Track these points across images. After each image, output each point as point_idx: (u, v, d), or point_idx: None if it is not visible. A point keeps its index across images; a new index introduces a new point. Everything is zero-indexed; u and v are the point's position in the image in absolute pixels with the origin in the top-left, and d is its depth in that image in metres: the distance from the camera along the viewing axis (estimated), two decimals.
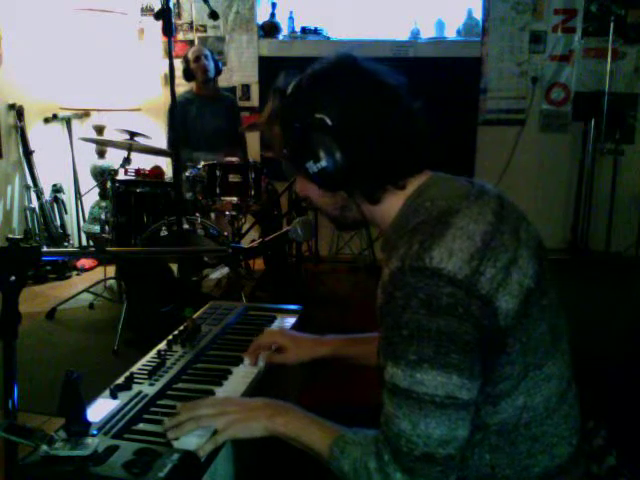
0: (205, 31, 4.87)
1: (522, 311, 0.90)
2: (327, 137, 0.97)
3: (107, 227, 3.51)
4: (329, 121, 0.96)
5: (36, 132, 4.53)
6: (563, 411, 0.98)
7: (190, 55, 3.98)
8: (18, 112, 4.29)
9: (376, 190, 1.02)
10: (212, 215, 3.67)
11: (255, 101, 4.90)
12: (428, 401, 0.87)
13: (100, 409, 1.13)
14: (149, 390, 1.22)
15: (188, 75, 4.01)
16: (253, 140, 4.57)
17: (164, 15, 2.37)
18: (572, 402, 1.01)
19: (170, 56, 2.43)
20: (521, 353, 0.91)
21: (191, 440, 1.04)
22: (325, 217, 1.14)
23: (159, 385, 1.25)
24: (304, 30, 4.81)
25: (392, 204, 1.02)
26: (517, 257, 0.92)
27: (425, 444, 0.87)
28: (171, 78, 2.46)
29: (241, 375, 1.34)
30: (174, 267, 3.23)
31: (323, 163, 0.98)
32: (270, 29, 4.82)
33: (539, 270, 0.95)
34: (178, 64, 3.60)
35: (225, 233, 3.31)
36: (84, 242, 4.79)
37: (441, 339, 0.86)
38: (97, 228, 4.02)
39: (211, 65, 4.01)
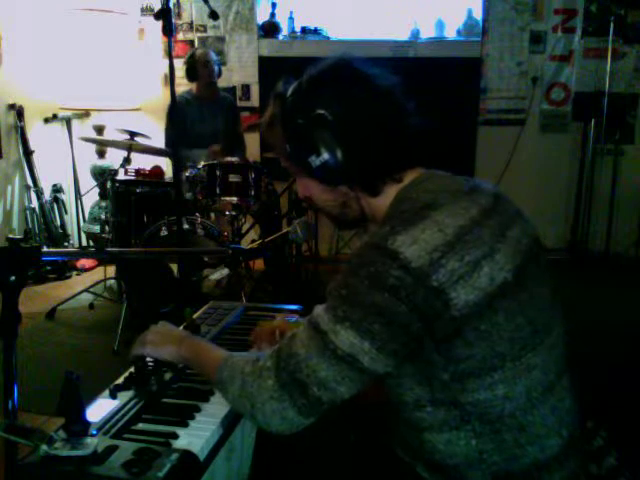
0: (205, 31, 4.87)
1: (485, 302, 0.92)
2: (328, 132, 1.02)
3: (107, 227, 3.51)
4: (329, 116, 1.01)
5: (36, 132, 4.53)
6: (550, 403, 0.99)
7: (199, 57, 3.97)
8: (18, 112, 4.29)
9: (375, 182, 1.07)
10: (212, 215, 3.67)
11: (255, 101, 4.90)
12: (332, 349, 0.94)
13: (100, 409, 1.13)
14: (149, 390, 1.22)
15: (192, 75, 4.00)
16: (253, 140, 4.57)
17: (164, 15, 2.36)
18: (562, 395, 1.02)
19: (170, 56, 2.43)
20: (482, 340, 0.93)
21: (192, 440, 1.04)
22: (326, 216, 1.19)
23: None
24: (304, 30, 4.81)
25: (388, 197, 1.07)
26: (494, 251, 0.95)
27: (307, 375, 0.96)
28: (171, 78, 2.46)
29: None
30: (174, 267, 3.23)
31: (325, 157, 1.03)
32: (270, 29, 4.82)
33: (522, 266, 0.97)
34: (178, 64, 3.59)
35: (225, 233, 3.31)
36: (84, 242, 4.78)
37: (371, 310, 0.92)
38: (97, 228, 4.02)
39: (216, 69, 4.03)
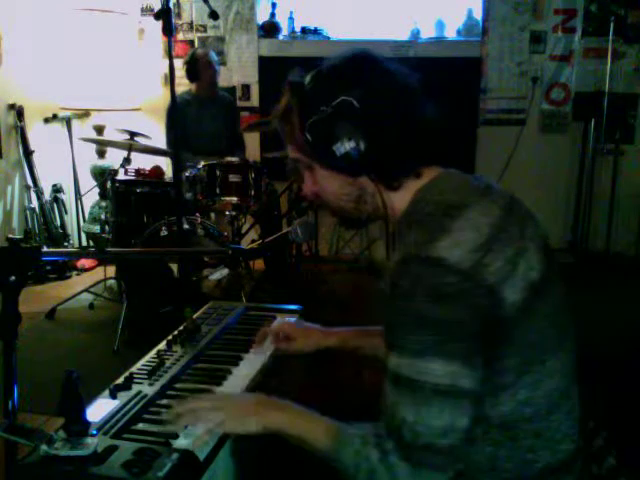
0: (205, 31, 4.87)
1: (525, 304, 0.90)
2: (353, 118, 0.98)
3: (107, 227, 3.51)
4: (356, 103, 0.97)
5: (36, 132, 4.53)
6: (566, 407, 0.98)
7: (201, 58, 3.97)
8: (18, 112, 4.29)
9: (397, 174, 1.03)
10: (212, 215, 3.67)
11: (255, 101, 4.90)
12: (430, 389, 0.87)
13: (100, 409, 1.13)
14: (148, 390, 1.23)
15: (193, 76, 4.00)
16: (253, 140, 4.57)
17: (164, 15, 2.37)
18: (575, 399, 1.02)
19: (170, 56, 2.43)
20: (522, 345, 0.91)
21: (191, 440, 1.04)
22: (334, 214, 1.13)
23: (158, 385, 1.25)
24: (304, 30, 4.81)
25: (407, 193, 1.03)
26: (524, 250, 0.93)
27: (427, 434, 0.88)
28: (171, 78, 2.46)
29: (241, 375, 1.34)
30: (174, 267, 3.23)
31: (350, 144, 0.98)
32: (270, 29, 4.82)
33: (545, 267, 0.96)
34: (178, 64, 3.59)
35: (225, 233, 3.31)
36: (84, 242, 4.78)
37: (442, 327, 0.87)
38: (97, 228, 4.01)
39: (217, 70, 4.04)
